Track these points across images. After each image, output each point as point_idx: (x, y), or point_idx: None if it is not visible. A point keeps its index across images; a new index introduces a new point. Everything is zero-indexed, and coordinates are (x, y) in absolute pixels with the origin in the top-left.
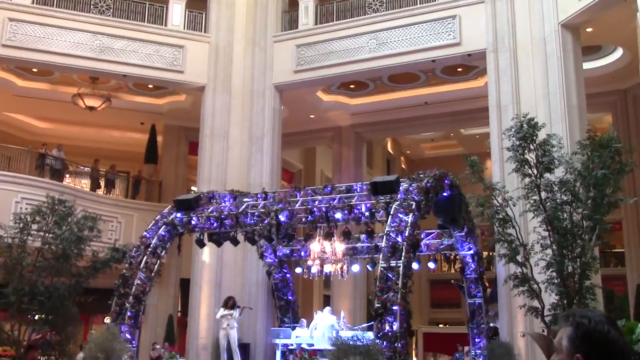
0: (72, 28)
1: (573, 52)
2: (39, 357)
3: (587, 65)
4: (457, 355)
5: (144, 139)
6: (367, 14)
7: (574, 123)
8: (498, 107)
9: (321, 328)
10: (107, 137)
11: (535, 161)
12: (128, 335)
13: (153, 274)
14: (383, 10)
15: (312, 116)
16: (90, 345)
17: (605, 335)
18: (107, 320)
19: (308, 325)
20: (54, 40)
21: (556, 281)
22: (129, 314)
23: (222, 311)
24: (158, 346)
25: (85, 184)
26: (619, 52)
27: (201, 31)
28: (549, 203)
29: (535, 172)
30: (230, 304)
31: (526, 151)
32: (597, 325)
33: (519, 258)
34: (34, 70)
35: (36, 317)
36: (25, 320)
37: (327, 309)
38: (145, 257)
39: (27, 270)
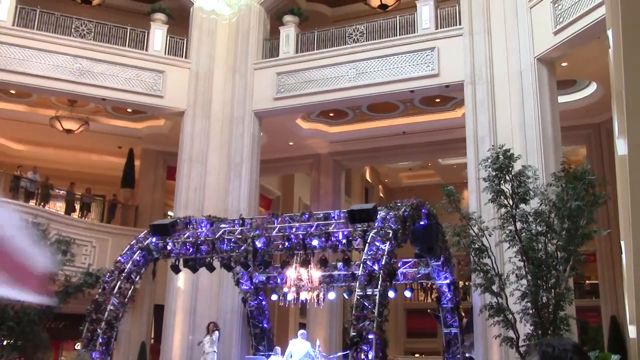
0: (52, 51)
1: (548, 85)
2: None
3: (562, 99)
4: None
5: (121, 162)
6: (348, 43)
7: (549, 155)
8: (475, 138)
9: (296, 356)
10: (84, 160)
11: (511, 192)
12: None
13: (127, 299)
14: (363, 41)
15: (291, 143)
16: None
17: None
18: (78, 346)
19: (283, 354)
20: (33, 62)
21: (531, 311)
22: (100, 340)
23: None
24: None
25: (60, 207)
26: (593, 87)
27: (182, 57)
28: (524, 233)
29: (510, 202)
30: (210, 328)
31: (502, 182)
32: (560, 353)
33: (495, 288)
34: (12, 92)
35: (4, 343)
36: None
37: (301, 332)
38: (119, 282)
39: None
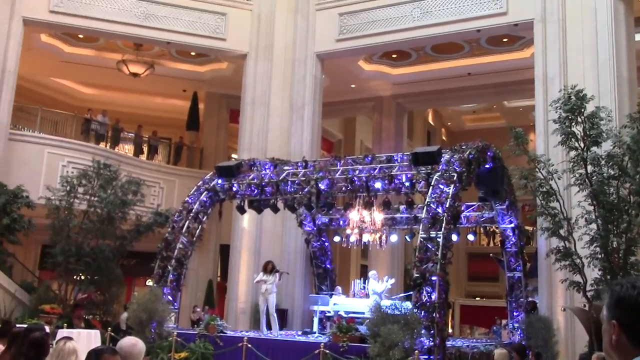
0: None
1: (625, 22)
2: (84, 316)
3: (639, 37)
4: (494, 328)
5: (186, 106)
6: None
7: (623, 96)
8: (544, 79)
9: (377, 295)
10: (150, 103)
11: (582, 134)
12: (170, 297)
13: (195, 238)
14: None
15: (353, 86)
16: (134, 306)
17: (635, 298)
18: (150, 282)
19: (344, 293)
20: (99, 6)
21: (600, 256)
22: (171, 276)
23: (261, 275)
24: (198, 309)
25: (128, 149)
26: None
27: None
28: (595, 177)
29: (582, 145)
30: (269, 268)
31: (573, 124)
32: (628, 290)
33: (562, 232)
34: (80, 36)
35: (82, 278)
36: (72, 280)
37: (372, 273)
38: (187, 222)
39: (73, 231)
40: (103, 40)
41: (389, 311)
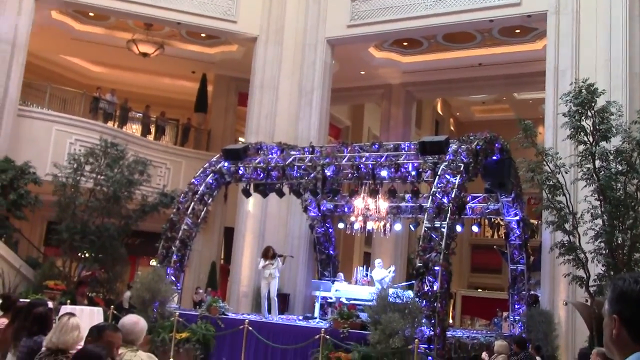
0: None
1: (639, 17)
2: (87, 293)
3: None
4: (495, 320)
5: (194, 87)
6: None
7: (635, 91)
8: (556, 72)
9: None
10: (159, 83)
11: (591, 128)
12: (173, 278)
13: (199, 220)
14: None
15: (362, 72)
16: (137, 285)
17: (637, 293)
18: (154, 262)
19: (346, 280)
20: None
21: (604, 252)
22: (174, 257)
23: (262, 262)
24: (201, 290)
25: (136, 129)
26: None
27: None
28: (602, 172)
29: (590, 139)
30: (270, 254)
31: (583, 118)
32: (630, 284)
33: (567, 226)
34: (91, 14)
35: (86, 255)
36: (76, 257)
37: (378, 261)
38: (192, 204)
39: (79, 209)
40: (114, 19)
41: (390, 299)
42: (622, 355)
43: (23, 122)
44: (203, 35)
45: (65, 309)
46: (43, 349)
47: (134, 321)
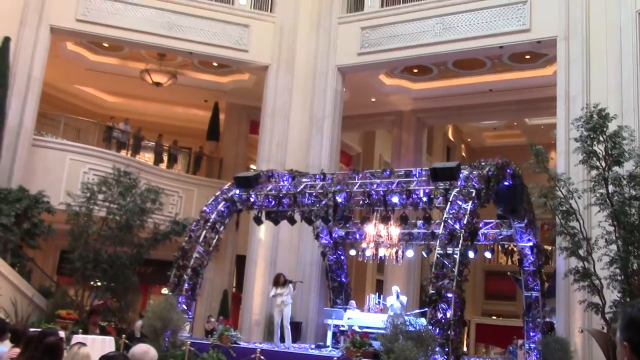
0: (142, 4)
1: None
2: (99, 322)
3: None
4: (510, 348)
5: (206, 116)
6: None
7: None
8: (567, 97)
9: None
10: (171, 112)
11: (603, 153)
12: (185, 307)
13: (211, 248)
14: None
15: (373, 99)
16: (149, 314)
17: None
18: (165, 290)
19: (358, 307)
20: (125, 16)
21: (620, 278)
22: (186, 285)
23: (274, 290)
24: (213, 319)
25: (148, 157)
26: None
27: (267, 10)
28: (616, 197)
29: (603, 164)
30: (281, 281)
31: (595, 143)
32: (638, 311)
33: (582, 252)
34: (105, 45)
35: (98, 284)
36: (88, 286)
37: (396, 289)
38: (204, 232)
39: (92, 238)
40: (127, 50)
41: (403, 327)
42: None
43: (37, 151)
44: (215, 64)
45: (77, 338)
46: None
47: (144, 350)
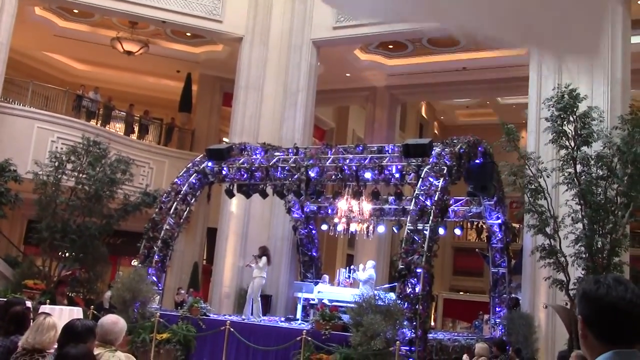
0: None
1: (622, 24)
2: (67, 293)
3: (635, 40)
4: (476, 322)
5: (179, 87)
6: None
7: (616, 97)
8: (539, 77)
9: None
10: (143, 82)
11: (573, 133)
12: (154, 278)
13: (182, 220)
14: None
15: (348, 74)
16: (118, 285)
17: (594, 293)
18: (135, 262)
19: (329, 281)
20: None
21: (584, 256)
22: (156, 257)
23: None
24: (183, 291)
25: (119, 128)
26: None
27: None
28: (583, 177)
29: (572, 144)
30: (259, 253)
31: (565, 123)
32: (590, 285)
33: (548, 230)
34: (75, 11)
35: (67, 254)
36: (56, 256)
37: (372, 263)
38: (175, 204)
39: (60, 208)
40: (98, 16)
41: (372, 301)
42: (592, 357)
43: (4, 119)
44: (188, 34)
45: (45, 308)
46: (19, 348)
47: (112, 321)
